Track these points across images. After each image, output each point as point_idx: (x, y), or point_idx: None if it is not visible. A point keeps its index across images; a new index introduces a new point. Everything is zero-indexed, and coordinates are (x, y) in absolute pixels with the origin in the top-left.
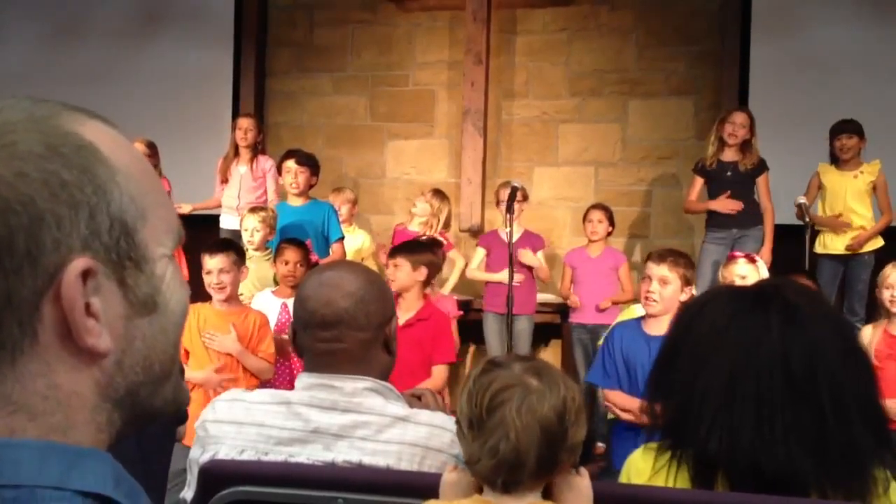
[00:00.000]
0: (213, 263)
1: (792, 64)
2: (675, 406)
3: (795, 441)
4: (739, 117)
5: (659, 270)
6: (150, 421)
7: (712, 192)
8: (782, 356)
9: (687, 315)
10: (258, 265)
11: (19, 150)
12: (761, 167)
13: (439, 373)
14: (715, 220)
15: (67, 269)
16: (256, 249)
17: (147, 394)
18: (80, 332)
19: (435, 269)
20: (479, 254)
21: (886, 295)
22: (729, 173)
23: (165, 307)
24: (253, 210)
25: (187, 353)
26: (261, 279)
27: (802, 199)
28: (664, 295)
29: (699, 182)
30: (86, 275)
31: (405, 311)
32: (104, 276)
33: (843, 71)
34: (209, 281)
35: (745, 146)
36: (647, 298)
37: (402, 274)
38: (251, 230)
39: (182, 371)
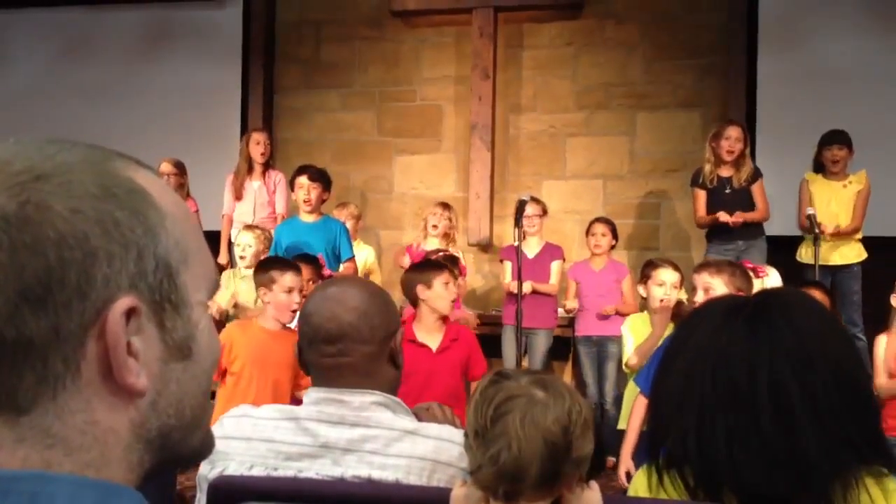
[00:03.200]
0: (295, 281)
1: (799, 76)
2: (651, 416)
3: (738, 446)
4: (735, 131)
5: (711, 280)
6: (175, 467)
7: (711, 208)
8: (725, 360)
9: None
10: (249, 284)
11: (76, 189)
12: (756, 175)
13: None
14: (718, 235)
15: (114, 307)
16: (248, 267)
17: (177, 439)
18: (120, 370)
19: None
20: (507, 267)
21: None
22: (728, 190)
23: (199, 354)
24: (249, 227)
25: (225, 373)
26: (253, 297)
27: (812, 211)
28: None
29: (702, 195)
30: (130, 314)
31: (434, 334)
32: (146, 316)
33: (850, 83)
34: (290, 300)
35: (739, 159)
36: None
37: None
38: (244, 246)
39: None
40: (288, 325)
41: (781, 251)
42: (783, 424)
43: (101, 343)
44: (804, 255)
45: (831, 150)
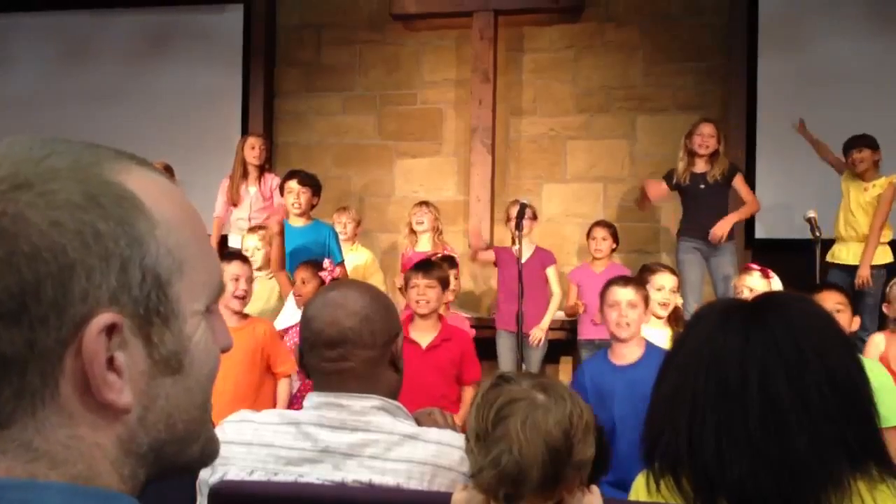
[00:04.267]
0: (242, 269)
1: (799, 78)
2: (647, 415)
3: (727, 443)
4: (707, 128)
5: (626, 294)
6: (177, 475)
7: (687, 205)
8: (719, 359)
9: (682, 332)
10: (260, 285)
11: (57, 199)
12: (732, 171)
13: (470, 393)
14: (690, 230)
15: (91, 323)
16: (259, 269)
17: (172, 452)
18: (99, 387)
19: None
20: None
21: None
22: (702, 185)
23: (191, 368)
24: (252, 230)
25: None
26: (262, 299)
27: (812, 214)
28: (634, 319)
29: (662, 184)
30: (110, 329)
31: (428, 333)
32: (130, 331)
33: (851, 85)
34: (236, 286)
35: (714, 157)
36: (618, 325)
37: (436, 295)
38: (252, 249)
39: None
40: (239, 314)
41: (781, 254)
42: (772, 423)
43: (79, 359)
44: (831, 256)
45: (852, 155)
